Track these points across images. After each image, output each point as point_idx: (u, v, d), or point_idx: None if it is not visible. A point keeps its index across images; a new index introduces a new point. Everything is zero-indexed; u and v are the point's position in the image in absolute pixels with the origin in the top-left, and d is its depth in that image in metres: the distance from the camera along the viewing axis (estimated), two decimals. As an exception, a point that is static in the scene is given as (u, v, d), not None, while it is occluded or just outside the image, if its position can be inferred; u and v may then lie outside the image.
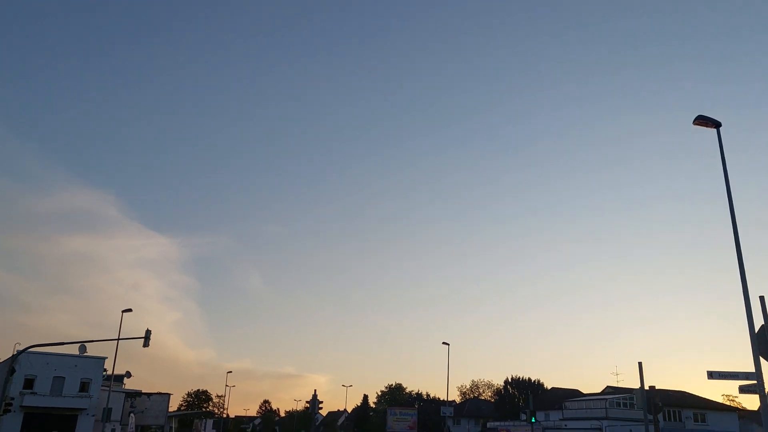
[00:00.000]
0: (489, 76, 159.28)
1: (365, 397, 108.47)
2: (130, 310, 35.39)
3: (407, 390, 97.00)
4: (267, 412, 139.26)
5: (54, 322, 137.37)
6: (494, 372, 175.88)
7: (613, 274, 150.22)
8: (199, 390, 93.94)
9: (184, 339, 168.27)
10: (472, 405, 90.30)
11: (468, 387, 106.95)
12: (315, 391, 28.15)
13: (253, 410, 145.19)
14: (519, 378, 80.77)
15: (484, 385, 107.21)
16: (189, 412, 77.09)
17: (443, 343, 49.65)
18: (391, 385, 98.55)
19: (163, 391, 48.63)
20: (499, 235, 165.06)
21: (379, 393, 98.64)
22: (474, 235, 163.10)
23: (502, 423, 71.16)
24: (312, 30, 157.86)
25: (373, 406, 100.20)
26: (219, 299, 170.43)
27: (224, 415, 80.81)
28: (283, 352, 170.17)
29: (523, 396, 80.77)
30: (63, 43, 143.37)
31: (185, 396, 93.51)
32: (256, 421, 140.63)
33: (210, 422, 72.50)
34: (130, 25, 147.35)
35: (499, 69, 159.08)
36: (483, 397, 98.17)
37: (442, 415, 54.88)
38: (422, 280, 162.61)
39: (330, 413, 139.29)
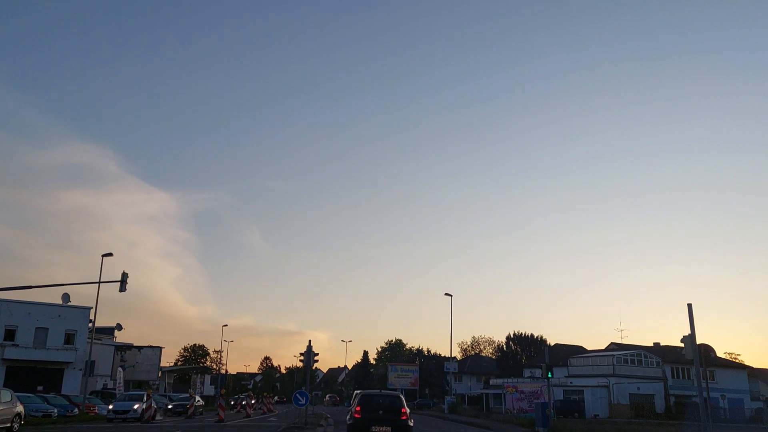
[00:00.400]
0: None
1: (365, 353, 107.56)
2: (110, 254, 32.73)
3: (408, 346, 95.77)
4: (268, 368, 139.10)
5: (55, 276, 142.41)
6: (496, 329, 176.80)
7: (616, 232, 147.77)
8: (195, 345, 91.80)
9: (185, 295, 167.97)
10: (473, 362, 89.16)
11: (469, 344, 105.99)
12: (309, 342, 25.67)
13: (254, 367, 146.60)
14: (521, 334, 79.19)
15: (485, 341, 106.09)
16: (184, 366, 76.05)
17: (446, 294, 47.35)
18: (392, 341, 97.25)
19: (155, 345, 46.10)
20: (504, 193, 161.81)
21: (380, 349, 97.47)
22: (479, 192, 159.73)
23: (507, 380, 69.82)
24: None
25: (374, 362, 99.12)
26: (219, 255, 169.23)
27: (223, 371, 79.92)
28: (283, 309, 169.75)
29: (525, 353, 79.42)
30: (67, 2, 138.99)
31: (181, 351, 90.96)
32: (257, 378, 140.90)
33: (207, 378, 71.04)
34: None
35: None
36: (484, 354, 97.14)
37: (445, 371, 53.18)
38: (425, 237, 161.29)
39: (330, 370, 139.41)
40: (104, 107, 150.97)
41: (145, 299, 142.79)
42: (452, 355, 55.86)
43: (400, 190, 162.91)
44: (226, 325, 73.81)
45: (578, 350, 72.22)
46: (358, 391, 18.77)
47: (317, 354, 27.11)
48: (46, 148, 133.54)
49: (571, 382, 58.49)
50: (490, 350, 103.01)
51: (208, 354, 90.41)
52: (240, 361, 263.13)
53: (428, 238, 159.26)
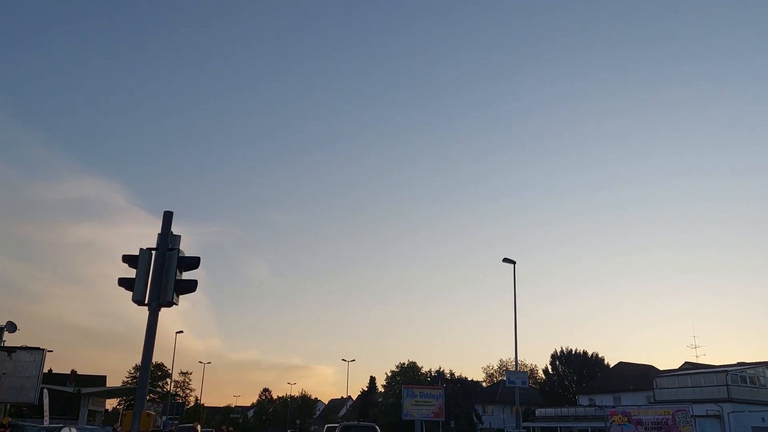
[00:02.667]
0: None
1: (372, 380, 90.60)
2: None
3: (424, 370, 78.49)
4: (260, 400, 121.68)
5: (61, 310, 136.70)
6: (528, 351, 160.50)
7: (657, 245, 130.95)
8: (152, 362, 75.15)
9: (191, 328, 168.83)
10: (506, 389, 72.23)
11: (496, 368, 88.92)
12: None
13: (250, 400, 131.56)
14: (571, 351, 62.25)
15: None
16: (116, 387, 55.75)
17: (505, 260, 30.76)
18: (404, 364, 79.92)
19: (33, 346, 29.43)
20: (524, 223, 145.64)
21: (389, 374, 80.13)
22: (502, 223, 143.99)
23: (561, 409, 52.82)
24: (321, 28, 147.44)
25: (382, 390, 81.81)
26: (226, 289, 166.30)
27: (191, 399, 64.69)
28: (288, 343, 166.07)
29: (574, 374, 62.51)
30: (69, 31, 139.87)
31: (131, 370, 69.65)
32: (252, 412, 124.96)
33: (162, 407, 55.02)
34: (137, 18, 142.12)
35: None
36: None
37: (509, 384, 36.36)
38: (435, 264, 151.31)
39: (332, 401, 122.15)
40: (112, 141, 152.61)
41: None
42: (517, 361, 39.80)
43: (407, 218, 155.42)
44: (181, 331, 57.77)
45: (649, 371, 55.48)
46: (331, 425, 4.17)
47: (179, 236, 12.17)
48: (54, 181, 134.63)
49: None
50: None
51: (169, 376, 71.12)
52: (246, 396, 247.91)
53: (438, 265, 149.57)
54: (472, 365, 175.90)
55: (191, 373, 77.53)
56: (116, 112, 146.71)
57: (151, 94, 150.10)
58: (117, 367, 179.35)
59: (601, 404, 49.09)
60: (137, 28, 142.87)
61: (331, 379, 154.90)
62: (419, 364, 79.93)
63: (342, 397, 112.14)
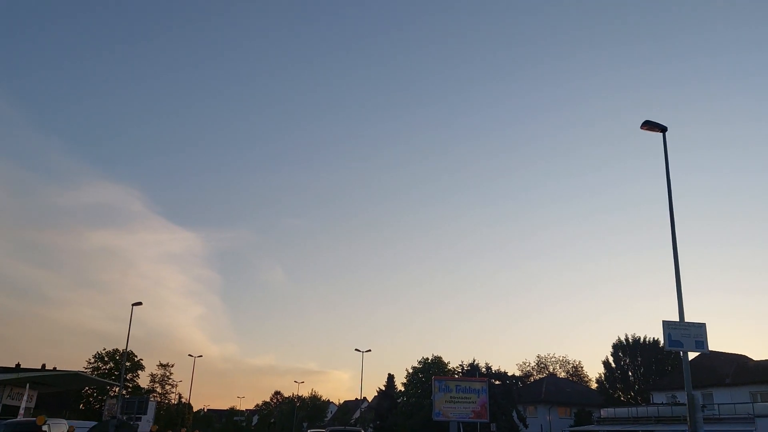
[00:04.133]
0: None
1: (390, 378, 79.28)
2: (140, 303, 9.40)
3: (451, 366, 67.03)
4: (269, 403, 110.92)
5: (78, 315, 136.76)
6: (564, 347, 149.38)
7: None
8: (116, 351, 55.40)
9: (207, 333, 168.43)
10: (552, 386, 60.56)
11: (533, 365, 77.20)
12: None
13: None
14: (639, 339, 50.29)
15: (556, 361, 77.28)
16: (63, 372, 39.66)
17: (648, 124, 19.63)
18: (428, 359, 68.44)
19: None
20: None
21: (410, 370, 68.71)
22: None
23: (634, 408, 41.08)
24: (327, 26, 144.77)
25: (402, 389, 70.56)
26: (242, 293, 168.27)
27: (172, 396, 54.34)
28: (304, 348, 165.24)
29: (643, 368, 50.65)
30: (87, 36, 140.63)
31: (90, 359, 56.60)
32: (259, 415, 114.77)
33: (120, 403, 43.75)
34: (156, 24, 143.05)
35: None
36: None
37: (670, 348, 24.96)
38: (453, 270, 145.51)
39: (346, 403, 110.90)
40: (129, 147, 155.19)
41: (167, 338, 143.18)
42: (682, 309, 28.38)
43: (424, 219, 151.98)
44: (139, 303, 47.01)
45: (744, 361, 43.68)
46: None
47: None
48: (73, 187, 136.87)
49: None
50: (563, 373, 74.31)
51: (141, 368, 58.21)
52: (255, 399, 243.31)
53: (458, 272, 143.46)
54: (503, 362, 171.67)
55: (173, 365, 65.91)
56: (133, 118, 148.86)
57: (168, 101, 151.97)
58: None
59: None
60: (156, 36, 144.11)
61: (347, 384, 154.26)
62: (445, 359, 68.48)
63: (356, 399, 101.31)
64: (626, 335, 50.45)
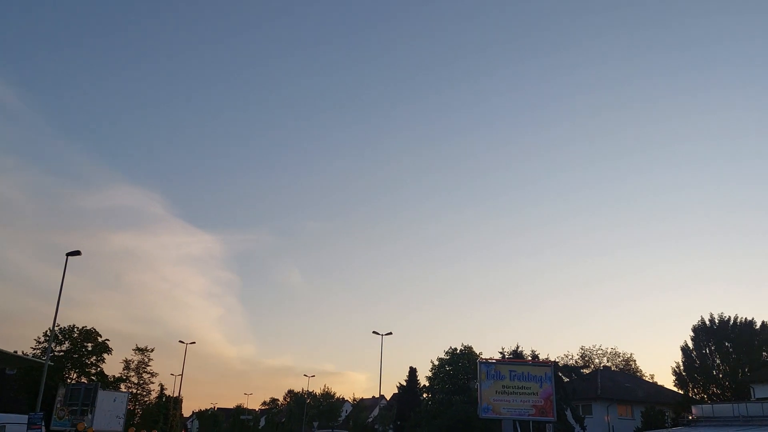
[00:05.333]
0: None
1: (412, 371, 69.80)
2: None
3: (483, 356, 57.01)
4: (277, 401, 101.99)
5: (100, 317, 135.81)
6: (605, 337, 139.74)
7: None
8: (74, 328, 44.96)
9: (226, 335, 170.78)
10: (608, 381, 50.57)
11: (577, 357, 67.05)
12: None
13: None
14: (729, 320, 39.98)
15: (603, 354, 67.14)
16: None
17: None
18: (456, 349, 58.50)
19: None
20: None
21: (436, 362, 58.84)
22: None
23: (741, 405, 31.14)
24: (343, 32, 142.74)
25: (426, 383, 60.68)
26: (260, 295, 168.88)
27: (153, 392, 45.22)
28: (322, 349, 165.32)
29: (735, 354, 40.40)
30: (109, 43, 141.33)
31: (39, 337, 45.50)
32: (268, 414, 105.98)
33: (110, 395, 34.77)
34: (173, 23, 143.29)
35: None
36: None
37: None
38: (474, 267, 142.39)
39: (362, 401, 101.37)
40: (150, 150, 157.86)
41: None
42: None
43: (445, 222, 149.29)
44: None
45: None
46: None
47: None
48: (94, 190, 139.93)
49: None
50: (612, 366, 64.20)
51: (107, 350, 46.10)
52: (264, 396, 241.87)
53: (481, 268, 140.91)
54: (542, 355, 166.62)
55: (152, 350, 55.50)
56: (153, 121, 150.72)
57: (186, 104, 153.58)
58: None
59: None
60: (176, 42, 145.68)
61: (364, 385, 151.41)
62: (476, 350, 58.52)
63: (373, 397, 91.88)
64: (711, 315, 40.26)
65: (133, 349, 52.71)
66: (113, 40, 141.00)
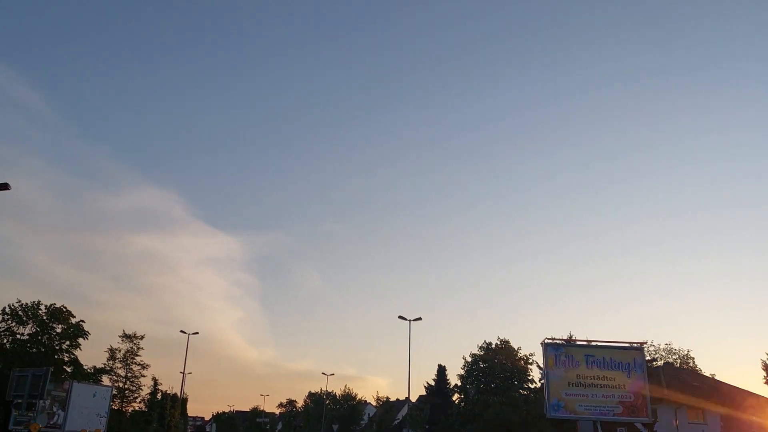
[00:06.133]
0: None
1: (441, 369, 63.51)
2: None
3: (523, 353, 50.35)
4: (309, 403, 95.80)
5: (122, 318, 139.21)
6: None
7: None
8: (39, 304, 37.74)
9: (246, 337, 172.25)
10: (673, 380, 43.35)
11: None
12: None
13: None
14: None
15: (655, 350, 59.68)
16: None
17: None
18: (490, 343, 51.79)
19: None
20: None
21: (469, 358, 52.29)
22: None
23: None
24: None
25: (458, 383, 54.35)
26: (280, 298, 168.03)
27: (143, 386, 38.56)
28: (343, 353, 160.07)
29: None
30: (131, 46, 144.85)
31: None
32: (284, 416, 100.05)
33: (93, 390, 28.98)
34: (189, 27, 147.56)
35: None
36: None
37: None
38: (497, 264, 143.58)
39: (387, 402, 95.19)
40: (169, 152, 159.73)
41: (206, 341, 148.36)
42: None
43: (467, 221, 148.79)
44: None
45: None
46: None
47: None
48: (116, 192, 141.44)
49: None
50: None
51: (82, 333, 38.59)
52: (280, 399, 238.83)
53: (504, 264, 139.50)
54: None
55: (142, 337, 46.40)
56: (173, 123, 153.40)
57: (206, 107, 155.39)
58: (167, 372, 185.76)
59: None
60: (193, 45, 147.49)
61: (385, 390, 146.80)
62: (513, 343, 51.74)
63: (398, 399, 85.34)
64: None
65: (120, 336, 44.74)
66: (137, 44, 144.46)
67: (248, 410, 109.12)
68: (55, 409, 26.60)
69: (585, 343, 22.53)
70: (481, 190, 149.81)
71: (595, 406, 20.61)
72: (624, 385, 20.79)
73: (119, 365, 43.21)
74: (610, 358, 21.37)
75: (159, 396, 44.91)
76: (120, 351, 43.92)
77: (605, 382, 20.76)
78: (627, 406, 20.56)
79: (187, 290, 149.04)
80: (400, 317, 46.73)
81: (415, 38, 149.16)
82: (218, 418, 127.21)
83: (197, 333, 51.44)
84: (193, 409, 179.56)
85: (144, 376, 43.22)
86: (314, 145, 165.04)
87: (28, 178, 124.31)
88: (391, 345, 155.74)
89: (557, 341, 22.99)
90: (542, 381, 22.16)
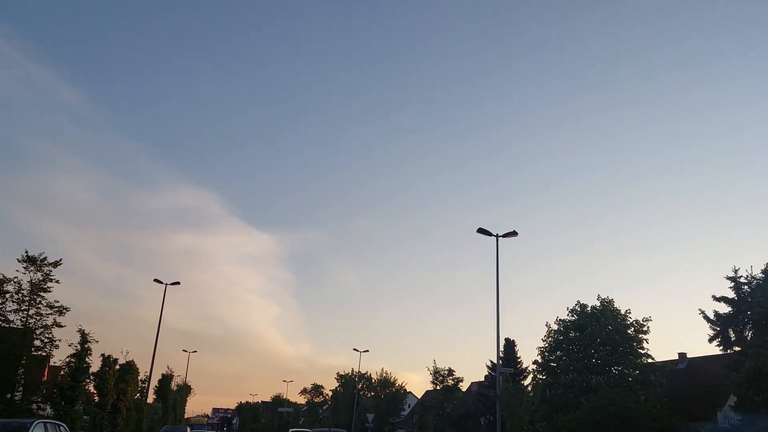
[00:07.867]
0: None
1: (510, 344, 49.16)
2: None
3: (632, 316, 35.16)
4: (311, 392, 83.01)
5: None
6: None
7: None
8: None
9: (282, 333, 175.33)
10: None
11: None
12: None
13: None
14: None
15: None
16: None
17: None
18: (586, 306, 36.66)
19: None
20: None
21: (554, 326, 37.35)
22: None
23: None
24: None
25: (538, 358, 38.65)
26: (315, 294, 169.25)
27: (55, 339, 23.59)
28: (377, 350, 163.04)
29: None
30: (170, 44, 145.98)
31: None
32: (309, 405, 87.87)
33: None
34: (227, 22, 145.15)
35: None
36: None
37: None
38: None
39: (427, 393, 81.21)
40: (210, 153, 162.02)
41: (244, 336, 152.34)
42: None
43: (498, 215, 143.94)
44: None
45: None
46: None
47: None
48: (156, 191, 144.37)
49: None
50: None
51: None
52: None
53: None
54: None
55: (58, 263, 26.83)
56: (212, 123, 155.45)
57: (244, 107, 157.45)
58: (207, 366, 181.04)
59: None
60: (230, 41, 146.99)
61: (419, 386, 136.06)
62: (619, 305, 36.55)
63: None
64: None
65: (19, 259, 25.89)
66: (176, 45, 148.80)
67: (270, 399, 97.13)
68: None
69: None
70: (511, 183, 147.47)
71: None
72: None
73: (13, 304, 25.54)
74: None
75: (90, 358, 27.59)
76: (19, 280, 25.57)
77: None
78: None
79: (224, 287, 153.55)
80: (480, 230, 33.11)
81: (453, 31, 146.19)
82: (242, 408, 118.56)
83: (178, 283, 42.73)
84: (221, 402, 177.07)
85: (62, 326, 26.34)
86: (351, 147, 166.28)
87: (74, 177, 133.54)
88: (425, 341, 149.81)
89: None
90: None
